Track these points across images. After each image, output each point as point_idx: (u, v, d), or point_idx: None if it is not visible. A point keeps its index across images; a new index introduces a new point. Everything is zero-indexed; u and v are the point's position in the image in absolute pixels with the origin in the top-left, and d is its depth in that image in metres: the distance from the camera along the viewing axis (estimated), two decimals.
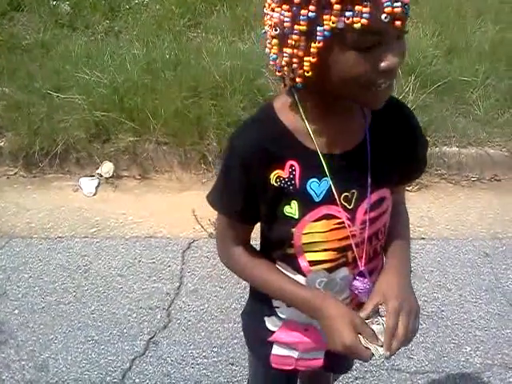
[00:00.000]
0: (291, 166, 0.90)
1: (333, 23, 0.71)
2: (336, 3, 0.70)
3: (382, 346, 0.87)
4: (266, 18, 0.81)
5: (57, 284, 2.34)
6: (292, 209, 0.92)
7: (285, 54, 0.77)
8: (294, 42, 0.75)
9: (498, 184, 3.24)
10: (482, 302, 2.32)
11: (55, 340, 2.09)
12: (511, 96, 3.57)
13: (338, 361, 1.16)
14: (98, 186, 3.01)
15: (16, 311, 2.21)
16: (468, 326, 2.20)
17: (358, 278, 0.97)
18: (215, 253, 2.59)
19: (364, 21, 0.70)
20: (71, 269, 2.42)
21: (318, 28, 0.72)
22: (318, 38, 0.73)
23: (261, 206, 0.95)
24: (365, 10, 0.69)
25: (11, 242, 2.59)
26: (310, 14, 0.72)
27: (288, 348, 1.12)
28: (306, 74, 0.78)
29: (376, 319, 0.90)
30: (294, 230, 0.92)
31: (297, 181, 0.91)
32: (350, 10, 0.70)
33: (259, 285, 1.05)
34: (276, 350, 1.14)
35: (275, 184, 0.91)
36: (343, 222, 0.92)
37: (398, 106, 0.99)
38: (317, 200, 0.91)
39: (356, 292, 0.98)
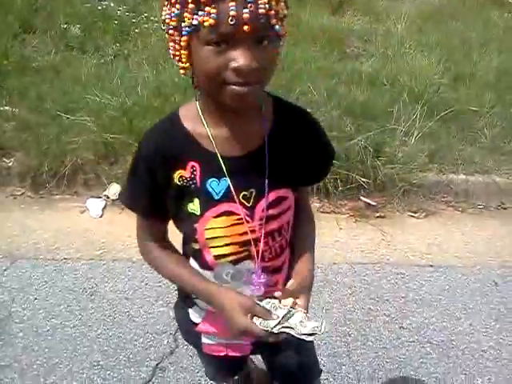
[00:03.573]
0: (192, 166, 1.00)
1: (189, 20, 0.82)
2: (191, 3, 0.81)
3: (272, 320, 0.95)
4: None
5: (62, 306, 2.32)
6: (194, 206, 1.01)
7: (170, 50, 0.90)
8: (170, 37, 0.88)
9: (505, 212, 3.24)
10: (493, 332, 2.29)
11: (60, 364, 2.05)
12: None
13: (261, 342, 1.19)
14: (104, 208, 3.01)
15: (20, 334, 2.18)
16: (479, 357, 2.17)
17: (256, 271, 1.06)
18: None
19: (211, 21, 0.80)
20: (77, 291, 2.40)
21: (182, 24, 0.84)
22: (183, 32, 0.85)
23: (167, 202, 1.04)
24: (213, 11, 0.80)
25: (17, 262, 2.57)
26: (176, 11, 0.84)
27: (214, 337, 1.21)
28: (183, 65, 0.89)
29: (268, 300, 0.99)
30: (196, 225, 1.01)
31: (198, 180, 1.00)
32: (201, 10, 0.81)
33: (165, 276, 1.14)
34: (205, 339, 1.23)
35: (178, 183, 1.00)
36: (242, 218, 1.01)
37: (302, 115, 1.09)
38: (216, 198, 1.00)
39: (254, 284, 1.07)
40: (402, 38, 4.61)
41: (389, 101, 3.64)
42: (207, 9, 0.80)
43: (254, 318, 0.96)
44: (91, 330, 2.20)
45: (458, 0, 5.84)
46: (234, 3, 0.79)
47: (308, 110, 1.12)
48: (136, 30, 4.51)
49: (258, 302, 0.98)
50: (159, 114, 3.25)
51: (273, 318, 0.95)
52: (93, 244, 2.72)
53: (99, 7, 4.73)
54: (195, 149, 0.99)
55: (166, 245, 1.14)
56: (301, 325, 0.95)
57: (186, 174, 0.99)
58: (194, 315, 1.20)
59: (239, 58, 0.82)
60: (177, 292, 1.31)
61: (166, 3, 0.87)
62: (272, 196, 1.02)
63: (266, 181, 1.00)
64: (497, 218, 3.17)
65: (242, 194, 1.00)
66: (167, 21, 0.87)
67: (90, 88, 3.48)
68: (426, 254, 2.78)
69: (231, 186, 0.99)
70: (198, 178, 0.99)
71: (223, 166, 0.98)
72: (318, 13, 4.99)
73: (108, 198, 3.05)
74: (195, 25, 0.82)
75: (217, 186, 1.00)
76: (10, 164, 3.15)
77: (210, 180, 0.99)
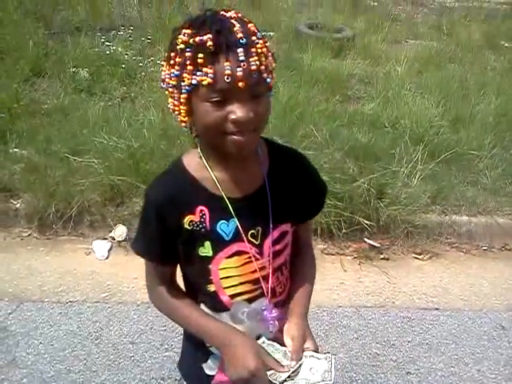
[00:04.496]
0: (201, 211, 1.04)
1: (188, 80, 0.90)
2: (189, 65, 0.89)
3: (283, 372, 0.97)
4: None
5: (67, 351, 2.30)
6: (206, 249, 1.05)
7: (169, 105, 0.98)
8: (171, 94, 0.96)
9: (509, 254, 3.24)
10: (502, 379, 2.27)
11: None
12: None
13: None
14: (110, 250, 3.02)
15: (24, 380, 2.16)
16: None
17: (267, 307, 1.09)
18: None
19: (209, 80, 0.88)
20: (82, 335, 2.39)
21: (182, 83, 0.92)
22: (182, 90, 0.92)
23: (178, 248, 1.07)
24: (209, 71, 0.88)
25: (22, 305, 2.56)
26: (176, 72, 0.92)
27: None
28: (182, 119, 0.96)
29: (277, 349, 1.01)
30: (210, 266, 1.06)
31: (207, 223, 1.04)
32: (199, 71, 0.89)
33: (177, 320, 1.15)
34: None
35: (188, 227, 1.04)
36: (253, 256, 1.06)
37: (294, 154, 1.17)
38: (227, 239, 1.05)
39: (267, 320, 1.09)
40: (402, 81, 4.73)
41: (390, 143, 3.70)
42: (205, 69, 0.88)
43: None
44: (96, 375, 2.18)
45: (455, 44, 6.02)
46: (228, 63, 0.87)
47: (297, 149, 1.20)
48: (143, 74, 4.64)
49: (269, 352, 1.00)
50: (165, 156, 3.32)
51: (283, 370, 0.97)
52: (98, 286, 2.73)
53: (107, 52, 4.88)
54: (202, 193, 1.04)
55: (176, 288, 1.16)
56: (311, 372, 0.96)
57: (196, 218, 1.03)
58: (209, 367, 1.19)
59: (237, 111, 0.90)
60: (183, 350, 1.31)
61: (165, 64, 0.95)
62: (276, 232, 1.08)
63: (271, 218, 1.06)
64: (501, 259, 3.17)
65: (250, 233, 1.06)
66: (167, 80, 0.95)
67: (98, 130, 3.55)
68: (431, 297, 2.78)
69: (239, 227, 1.04)
70: (207, 221, 1.04)
71: (230, 207, 1.03)
72: (320, 56, 5.14)
73: (114, 239, 3.07)
74: (194, 84, 0.90)
75: (226, 228, 1.04)
76: (18, 205, 3.18)
77: (220, 222, 1.04)
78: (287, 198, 1.09)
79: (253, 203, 1.05)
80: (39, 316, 2.50)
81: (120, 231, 3.09)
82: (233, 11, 0.95)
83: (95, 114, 3.86)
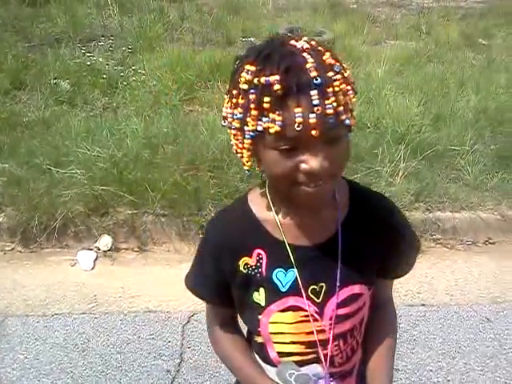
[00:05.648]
0: (258, 254, 0.94)
1: (252, 126, 0.79)
2: (254, 109, 0.78)
3: None
4: None
5: (53, 364, 2.28)
6: (260, 295, 0.94)
7: (232, 145, 0.87)
8: (233, 136, 0.85)
9: (493, 247, 3.28)
10: (488, 370, 2.29)
11: None
12: (498, 161, 3.69)
13: None
14: (95, 260, 3.00)
15: None
16: None
17: (324, 378, 0.96)
18: None
19: (277, 128, 0.76)
20: (69, 348, 2.37)
21: (246, 127, 0.80)
22: (246, 135, 0.81)
23: (232, 290, 0.98)
24: (278, 118, 0.76)
25: (7, 320, 2.54)
26: (238, 115, 0.81)
27: None
28: (245, 163, 0.85)
29: None
30: (260, 317, 0.94)
31: (263, 269, 0.93)
32: (265, 116, 0.77)
33: (229, 367, 1.06)
34: None
35: (243, 270, 0.94)
36: (310, 316, 0.92)
37: (382, 203, 1.01)
38: (283, 290, 0.92)
39: None
40: (383, 81, 4.77)
41: (373, 143, 3.73)
42: (272, 116, 0.76)
43: None
44: None
45: (434, 43, 6.09)
46: (299, 109, 0.74)
47: (388, 197, 1.05)
48: (124, 83, 4.63)
49: None
50: (149, 164, 3.31)
51: None
52: (84, 297, 2.71)
53: (88, 62, 4.87)
54: (262, 236, 0.94)
55: (233, 331, 1.07)
56: None
57: (252, 261, 0.94)
58: None
59: (310, 161, 0.78)
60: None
61: (227, 100, 0.84)
62: (345, 292, 0.93)
63: (338, 275, 0.91)
64: (485, 253, 3.21)
65: (310, 288, 0.92)
66: (229, 119, 0.84)
67: (80, 141, 3.53)
68: (417, 293, 2.80)
69: (299, 279, 0.91)
70: (263, 266, 0.93)
71: (291, 255, 0.91)
72: None
73: (99, 249, 3.05)
74: (260, 131, 0.78)
75: (283, 277, 0.92)
76: (0, 220, 3.16)
77: (277, 270, 0.93)
78: (364, 255, 0.94)
79: (320, 254, 0.92)
80: (24, 330, 2.47)
81: (105, 241, 3.07)
82: (304, 39, 0.80)
83: (77, 125, 3.84)
